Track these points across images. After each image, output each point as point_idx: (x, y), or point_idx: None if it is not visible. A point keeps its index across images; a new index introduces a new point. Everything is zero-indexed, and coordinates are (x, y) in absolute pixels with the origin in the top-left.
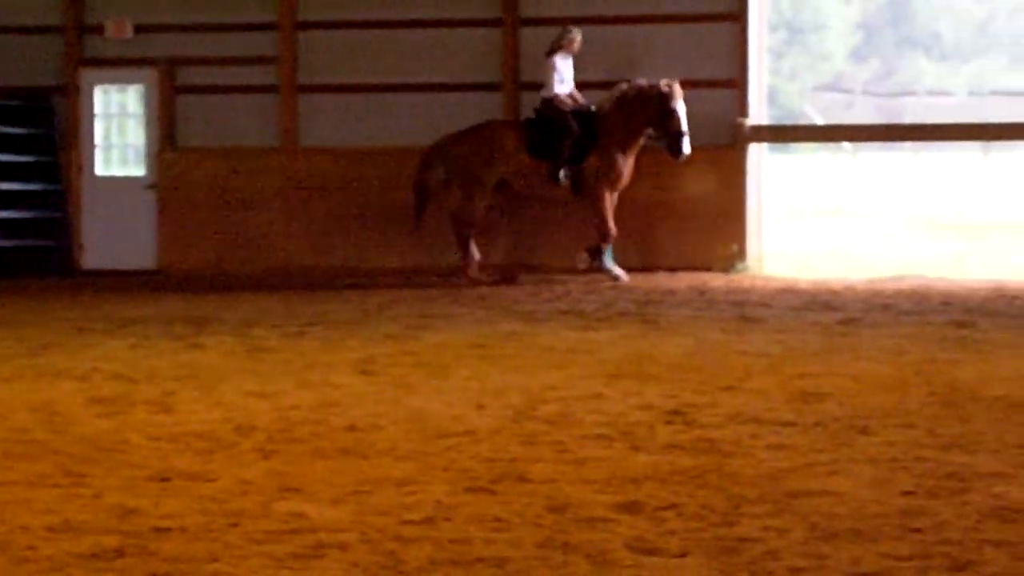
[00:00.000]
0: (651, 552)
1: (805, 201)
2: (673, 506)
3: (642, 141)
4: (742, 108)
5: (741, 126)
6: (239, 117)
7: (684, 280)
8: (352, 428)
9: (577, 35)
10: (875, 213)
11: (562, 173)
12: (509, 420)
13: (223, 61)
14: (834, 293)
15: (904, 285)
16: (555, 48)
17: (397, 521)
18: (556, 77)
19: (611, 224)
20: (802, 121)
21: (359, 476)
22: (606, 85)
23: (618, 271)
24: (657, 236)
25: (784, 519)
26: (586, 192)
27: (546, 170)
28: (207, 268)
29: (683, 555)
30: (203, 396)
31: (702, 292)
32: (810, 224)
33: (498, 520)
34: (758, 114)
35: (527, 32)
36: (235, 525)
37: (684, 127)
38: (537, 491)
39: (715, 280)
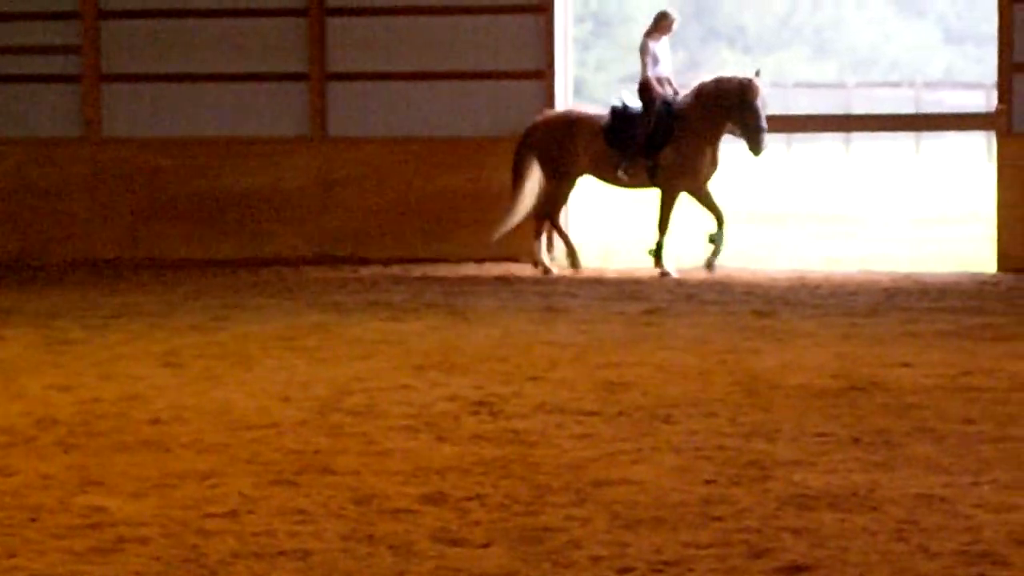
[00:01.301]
0: (455, 543)
1: (610, 191)
2: (477, 497)
3: (724, 134)
4: (549, 99)
5: None
6: (41, 107)
7: (492, 271)
8: (155, 421)
9: (674, 16)
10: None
11: (622, 165)
12: (315, 412)
13: (24, 50)
14: (640, 283)
15: (708, 275)
16: (650, 30)
17: (199, 514)
18: (648, 61)
19: (669, 220)
20: None
21: (162, 469)
22: (413, 77)
23: (669, 267)
24: (464, 227)
25: (587, 508)
26: (660, 184)
27: (614, 160)
28: (9, 260)
29: (487, 545)
30: (2, 389)
31: (509, 283)
32: (617, 214)
33: (302, 512)
34: (565, 105)
35: (334, 22)
36: (34, 520)
37: (763, 123)
38: (341, 483)
39: (522, 271)
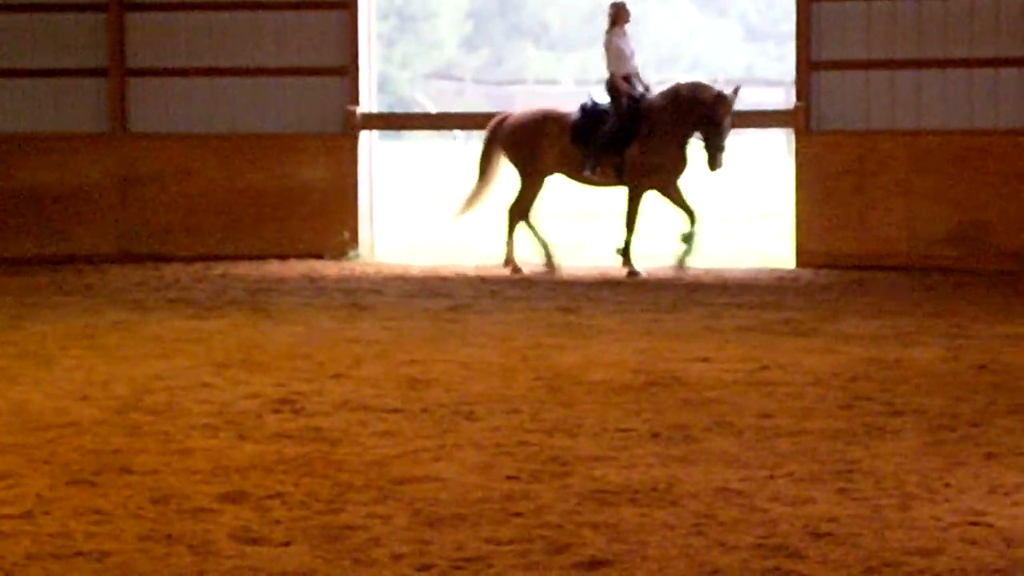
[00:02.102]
0: (255, 542)
1: (417, 188)
2: (278, 495)
3: (692, 135)
4: (353, 96)
5: (352, 114)
6: None
7: (296, 268)
8: None
9: (625, 5)
10: (488, 200)
11: (588, 162)
12: (114, 411)
13: None
14: (444, 280)
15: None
16: (609, 26)
17: None
18: (612, 57)
19: (636, 218)
20: (414, 109)
21: None
22: (215, 73)
23: (638, 270)
24: (268, 224)
25: (389, 506)
26: (627, 182)
27: (580, 158)
28: None
29: (287, 544)
30: None
31: (313, 280)
32: (422, 211)
33: (99, 513)
34: (369, 102)
35: (134, 17)
36: None
37: (725, 142)
38: (140, 483)
39: (327, 268)
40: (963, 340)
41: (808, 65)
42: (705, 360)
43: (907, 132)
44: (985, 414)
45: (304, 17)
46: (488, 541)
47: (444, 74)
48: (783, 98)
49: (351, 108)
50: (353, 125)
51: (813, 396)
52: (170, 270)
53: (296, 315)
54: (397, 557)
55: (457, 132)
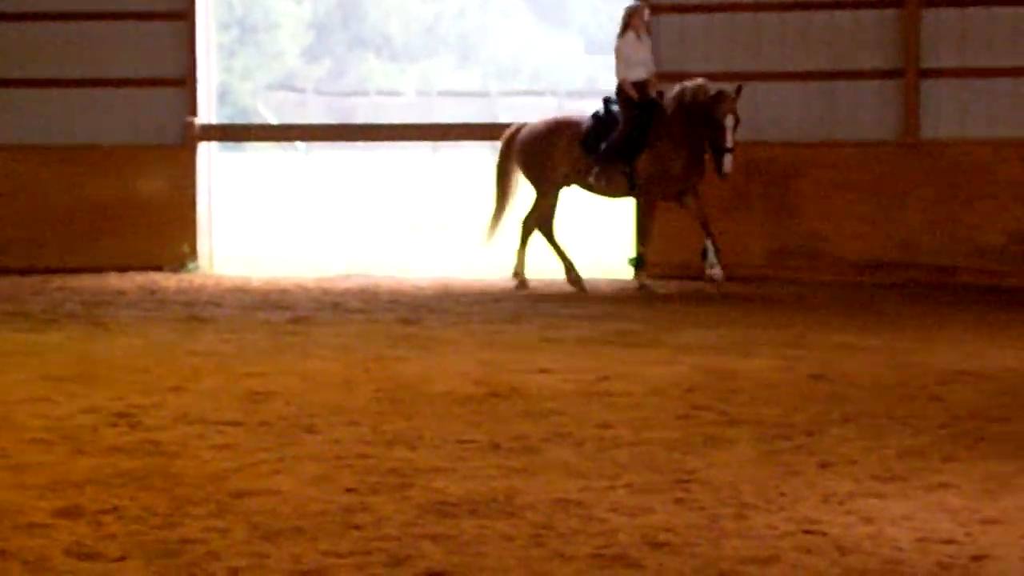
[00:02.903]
0: (90, 557)
1: (258, 200)
2: (114, 509)
3: (703, 145)
4: (192, 107)
5: (191, 125)
6: None
7: (134, 280)
8: None
9: (642, 9)
10: (328, 212)
11: (594, 171)
12: None
13: None
14: (285, 292)
15: (353, 284)
16: (620, 30)
17: None
18: (620, 63)
19: (649, 229)
20: (255, 120)
21: None
22: (51, 84)
23: (649, 282)
24: (107, 236)
25: (226, 519)
26: (638, 192)
27: (586, 167)
28: None
29: (122, 559)
30: None
31: (153, 292)
32: (263, 223)
33: None
34: (208, 113)
35: None
36: None
37: (728, 143)
38: None
39: (166, 280)
40: (799, 350)
41: None
42: (546, 371)
43: (744, 143)
44: (819, 423)
45: (142, 27)
46: (326, 554)
47: (286, 85)
48: None
49: (189, 119)
50: (192, 136)
51: (652, 406)
52: (6, 283)
53: (134, 328)
54: (234, 571)
55: (299, 143)
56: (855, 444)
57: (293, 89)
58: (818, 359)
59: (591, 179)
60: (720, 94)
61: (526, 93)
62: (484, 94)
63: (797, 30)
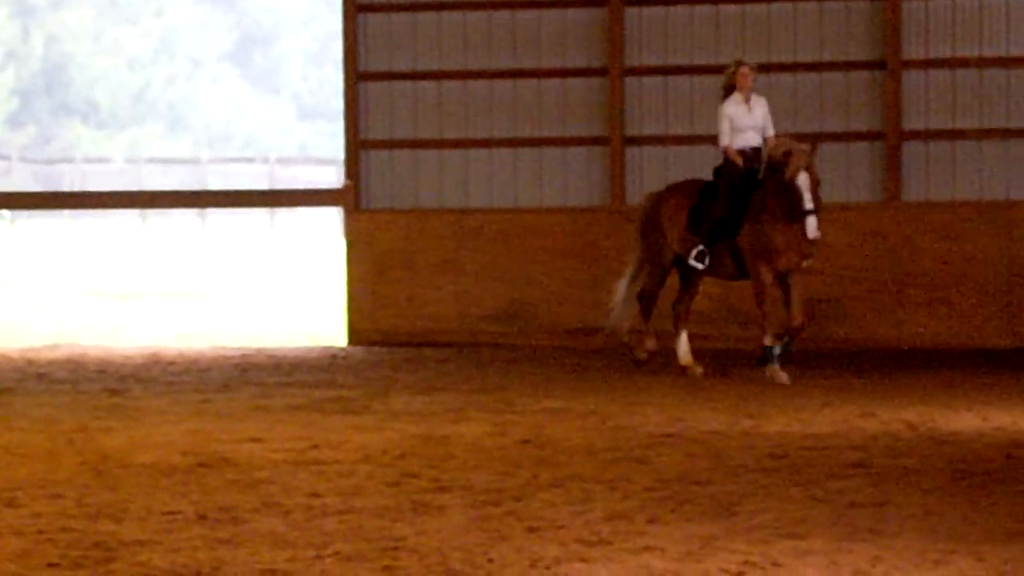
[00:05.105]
0: None
1: None
2: None
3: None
4: None
5: None
6: None
7: None
8: None
9: (745, 68)
10: (33, 281)
11: (694, 252)
12: None
13: None
14: None
15: (59, 354)
16: (725, 92)
17: None
18: (724, 128)
19: (765, 311)
20: None
21: None
22: None
23: (781, 375)
24: None
25: None
26: (745, 272)
27: (692, 244)
28: None
29: None
30: None
31: None
32: None
33: None
34: None
35: None
36: None
37: (807, 204)
38: None
39: None
40: (510, 415)
41: (357, 144)
42: (255, 440)
43: (455, 210)
44: (528, 488)
45: None
46: None
47: None
48: (335, 176)
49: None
50: None
51: (362, 474)
52: None
53: None
54: None
55: (4, 211)
56: (563, 509)
57: None
58: (529, 424)
59: (691, 258)
60: (790, 151)
61: (237, 160)
62: (195, 161)
63: (504, 99)
